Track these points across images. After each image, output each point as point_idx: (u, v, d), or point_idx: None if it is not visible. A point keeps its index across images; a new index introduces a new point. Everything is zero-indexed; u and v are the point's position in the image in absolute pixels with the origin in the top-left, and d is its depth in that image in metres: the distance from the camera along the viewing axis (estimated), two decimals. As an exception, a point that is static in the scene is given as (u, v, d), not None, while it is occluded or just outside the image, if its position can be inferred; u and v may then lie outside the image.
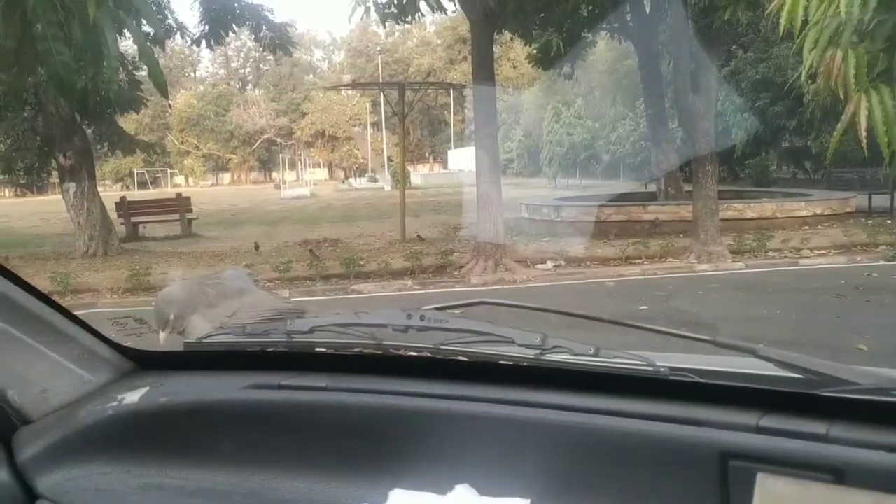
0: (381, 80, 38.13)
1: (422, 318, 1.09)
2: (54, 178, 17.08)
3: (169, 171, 51.89)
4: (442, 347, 1.08)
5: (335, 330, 1.17)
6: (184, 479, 1.07)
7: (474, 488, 0.92)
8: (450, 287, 9.20)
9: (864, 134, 3.67)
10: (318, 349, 1.19)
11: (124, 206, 15.38)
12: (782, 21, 3.85)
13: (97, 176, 13.97)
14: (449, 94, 41.66)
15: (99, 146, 16.58)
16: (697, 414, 0.87)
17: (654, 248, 10.53)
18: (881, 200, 14.45)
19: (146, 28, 3.29)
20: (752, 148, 21.43)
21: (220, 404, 1.11)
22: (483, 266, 9.70)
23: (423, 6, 10.87)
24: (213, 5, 12.86)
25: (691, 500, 0.84)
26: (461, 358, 1.08)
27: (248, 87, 62.13)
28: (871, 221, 12.93)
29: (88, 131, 14.08)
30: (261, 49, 15.99)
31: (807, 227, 12.26)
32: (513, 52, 40.36)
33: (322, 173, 56.05)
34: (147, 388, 1.15)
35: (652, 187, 17.29)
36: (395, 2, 10.98)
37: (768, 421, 0.83)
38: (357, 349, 1.15)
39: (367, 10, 11.38)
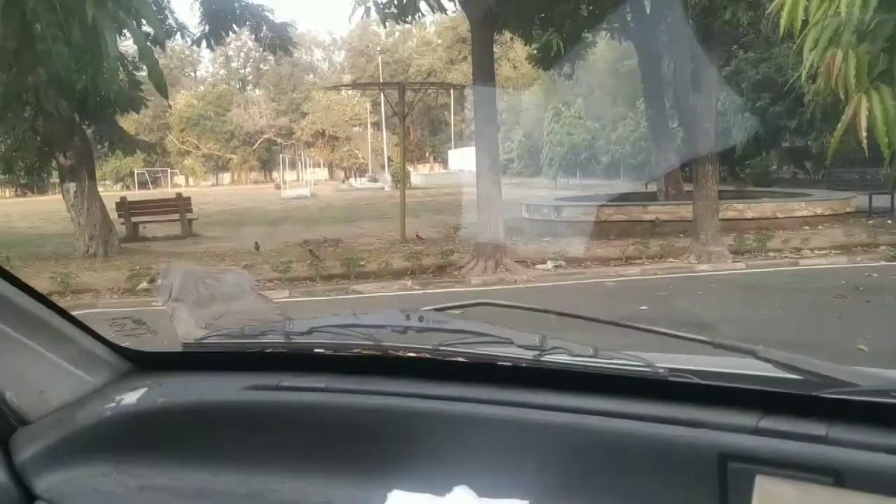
0: (381, 81, 38.16)
1: (421, 318, 1.09)
2: (55, 178, 17.05)
3: (169, 171, 51.91)
4: (441, 348, 1.08)
5: (334, 331, 1.17)
6: (182, 479, 1.07)
7: (473, 489, 0.92)
8: (450, 287, 9.20)
9: (865, 134, 3.67)
10: (317, 350, 1.19)
11: (125, 206, 15.39)
12: (783, 21, 3.85)
13: (97, 176, 13.98)
14: (449, 95, 41.66)
15: (99, 146, 16.58)
16: (696, 415, 0.86)
17: (655, 248, 10.53)
18: (882, 200, 14.45)
19: (146, 28, 3.29)
20: (753, 148, 21.44)
21: (219, 405, 1.11)
22: (483, 266, 9.70)
23: (423, 6, 10.89)
24: (214, 5, 12.87)
25: (690, 502, 0.83)
26: (460, 359, 1.07)
27: (248, 87, 62.15)
28: (871, 222, 12.93)
29: (89, 131, 14.08)
30: (261, 49, 16.01)
31: (807, 228, 12.26)
32: (513, 52, 40.38)
33: (322, 173, 56.05)
34: (146, 388, 1.15)
35: (652, 187, 17.30)
36: (396, 2, 10.98)
37: (768, 422, 0.83)
38: (356, 350, 1.15)
39: (368, 10, 11.40)
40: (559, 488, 0.90)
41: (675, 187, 14.99)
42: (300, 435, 1.05)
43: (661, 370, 0.95)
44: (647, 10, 13.97)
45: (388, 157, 45.54)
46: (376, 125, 50.79)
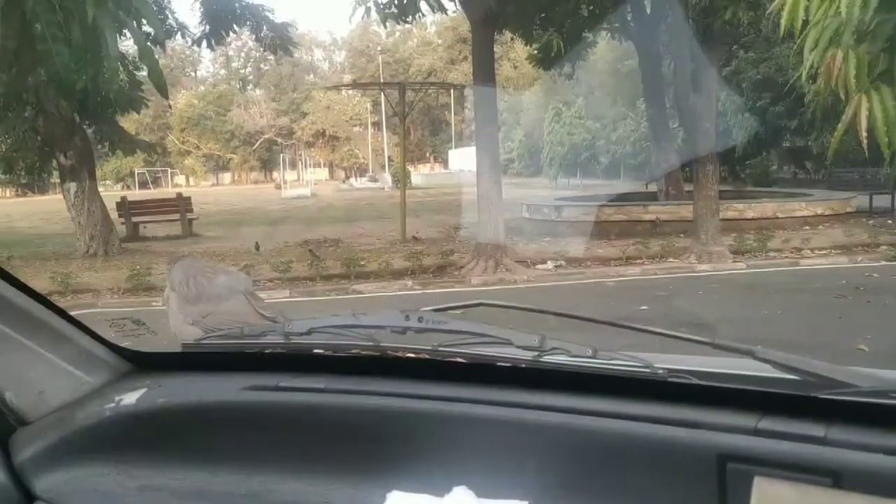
0: (381, 80, 38.15)
1: (420, 319, 1.09)
2: (55, 178, 17.07)
3: (170, 170, 51.93)
4: (440, 349, 1.08)
5: (333, 331, 1.17)
6: (182, 480, 1.07)
7: (472, 490, 0.92)
8: (450, 287, 9.21)
9: (865, 134, 3.67)
10: (316, 350, 1.19)
11: (125, 206, 15.39)
12: (783, 21, 3.85)
13: (98, 176, 13.98)
14: (449, 94, 41.69)
15: (100, 146, 16.59)
16: (695, 416, 0.86)
17: (655, 248, 10.53)
18: (882, 200, 14.44)
19: (146, 28, 3.29)
20: (753, 148, 21.44)
21: (219, 405, 1.11)
22: (483, 266, 9.70)
23: (423, 6, 10.88)
24: (214, 5, 12.87)
25: (689, 503, 0.83)
26: (459, 359, 1.07)
27: (248, 87, 62.15)
28: (871, 222, 12.93)
29: (89, 131, 14.08)
30: (261, 49, 16.00)
31: (808, 228, 12.26)
32: (513, 52, 40.38)
33: (323, 173, 56.06)
34: (145, 389, 1.15)
35: (653, 187, 17.30)
36: (396, 2, 10.98)
37: (766, 423, 0.83)
38: (355, 350, 1.15)
39: (368, 10, 11.40)
40: (558, 489, 0.90)
41: (676, 187, 14.99)
42: (299, 435, 1.05)
43: (660, 371, 0.95)
44: (648, 10, 13.97)
45: (389, 157, 45.54)
46: (377, 125, 50.81)
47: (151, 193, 32.80)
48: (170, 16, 13.73)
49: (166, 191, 38.51)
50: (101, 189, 13.72)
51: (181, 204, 15.92)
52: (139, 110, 15.64)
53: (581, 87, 31.66)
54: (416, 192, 28.88)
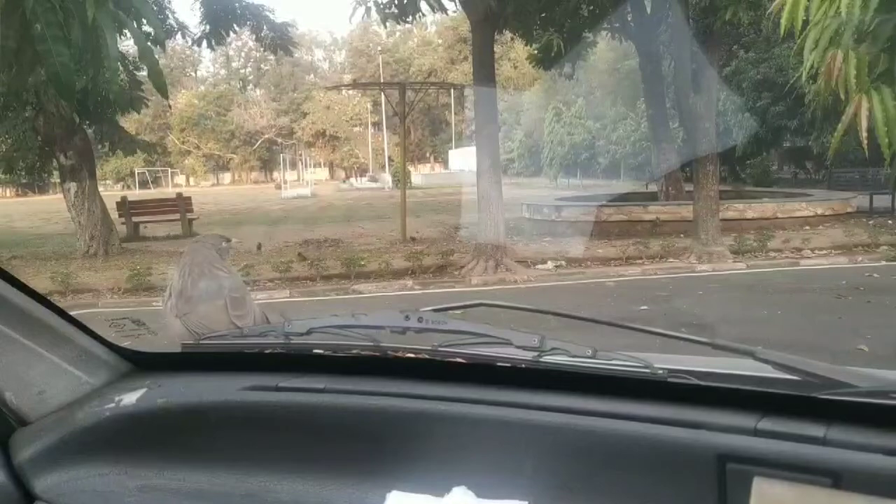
0: (381, 80, 38.17)
1: (420, 319, 1.09)
2: (55, 178, 17.08)
3: (170, 170, 51.92)
4: (440, 349, 1.08)
5: (333, 332, 1.17)
6: (182, 480, 1.07)
7: (472, 490, 0.92)
8: (450, 287, 9.20)
9: (865, 134, 3.66)
10: (316, 351, 1.19)
11: (125, 206, 15.39)
12: (783, 21, 3.84)
13: (98, 176, 13.98)
14: (450, 94, 41.66)
15: (100, 146, 16.59)
16: (695, 416, 0.86)
17: (655, 248, 10.53)
18: (882, 201, 14.44)
19: (147, 28, 3.28)
20: (753, 148, 21.45)
21: (218, 406, 1.11)
22: (483, 266, 9.70)
23: (423, 6, 10.88)
24: (214, 5, 12.86)
25: (689, 503, 0.83)
26: (459, 360, 1.07)
27: (248, 87, 62.15)
28: (872, 222, 12.92)
29: (89, 131, 14.09)
30: (262, 49, 15.99)
31: (808, 228, 12.26)
32: (514, 52, 40.37)
33: (323, 173, 56.09)
34: (145, 389, 1.15)
35: (653, 187, 17.30)
36: (396, 2, 10.98)
37: (766, 423, 0.83)
38: (355, 351, 1.15)
39: (368, 10, 11.40)
40: (558, 489, 0.90)
41: (676, 187, 14.99)
42: (299, 435, 1.05)
43: (660, 371, 0.95)
44: (648, 10, 13.97)
45: (389, 157, 45.54)
46: (377, 125, 50.81)
47: (151, 193, 32.80)
48: (170, 16, 13.74)
49: (166, 191, 38.51)
50: (101, 189, 13.72)
51: (181, 204, 15.93)
52: (139, 110, 15.64)
53: (581, 87, 31.68)
54: (416, 191, 28.89)
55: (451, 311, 1.17)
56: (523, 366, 1.02)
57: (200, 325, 1.49)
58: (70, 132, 12.54)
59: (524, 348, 1.02)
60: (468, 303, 1.21)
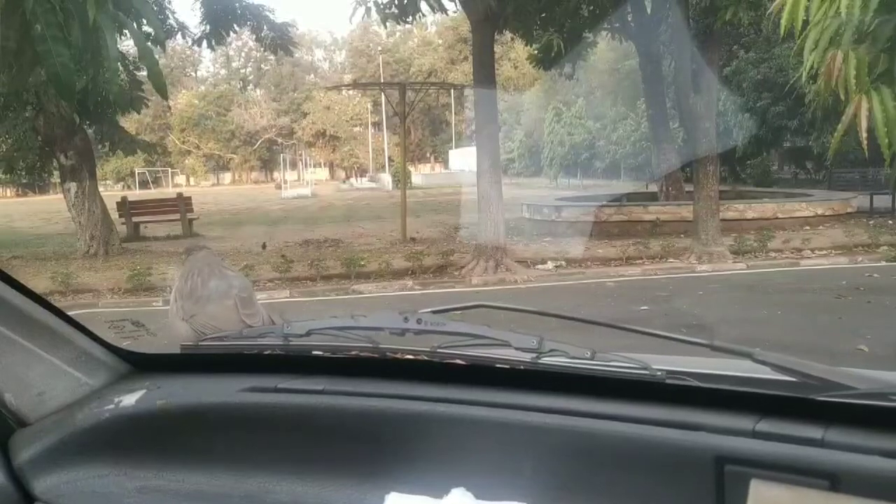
0: (382, 80, 38.17)
1: (419, 321, 1.09)
2: (56, 178, 17.08)
3: (170, 170, 51.92)
4: (439, 350, 1.08)
5: (332, 333, 1.17)
6: (181, 481, 1.07)
7: (471, 492, 0.92)
8: (451, 287, 9.21)
9: (865, 135, 3.66)
10: (315, 352, 1.19)
11: (125, 206, 15.40)
12: (783, 21, 3.84)
13: (98, 176, 13.99)
14: (450, 94, 41.66)
15: (100, 146, 16.59)
16: (693, 418, 0.86)
17: (655, 248, 10.53)
18: (882, 201, 14.44)
19: (147, 28, 3.28)
20: (754, 148, 21.44)
21: (218, 407, 1.11)
22: (484, 266, 9.70)
23: (423, 6, 10.88)
24: (215, 5, 12.86)
25: None
26: (458, 361, 1.08)
27: (249, 87, 62.12)
28: (872, 222, 12.92)
29: (89, 131, 14.09)
30: (262, 49, 16.00)
31: (808, 228, 12.25)
32: (514, 52, 40.37)
33: (323, 173, 56.08)
34: (144, 390, 1.15)
35: (653, 188, 17.29)
36: (396, 2, 10.98)
37: (764, 425, 0.83)
38: (354, 352, 1.15)
39: (368, 10, 11.40)
40: (556, 490, 0.90)
41: (676, 187, 14.99)
42: (298, 437, 1.05)
43: (659, 372, 0.95)
44: (648, 11, 13.97)
45: (389, 157, 45.51)
46: (377, 125, 50.80)
47: (152, 193, 32.79)
48: (170, 16, 13.75)
49: (167, 191, 38.50)
50: (101, 189, 13.73)
51: (181, 204, 15.92)
52: (139, 110, 15.65)
53: (581, 88, 31.70)
54: (416, 191, 28.89)
55: (449, 313, 1.17)
56: (522, 367, 1.02)
57: (209, 325, 1.49)
58: (70, 132, 12.54)
59: (523, 350, 1.02)
60: (467, 304, 1.21)
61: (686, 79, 10.39)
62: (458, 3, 10.75)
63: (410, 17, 11.53)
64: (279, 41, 13.75)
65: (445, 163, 51.31)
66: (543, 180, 31.28)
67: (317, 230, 15.47)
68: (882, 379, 0.97)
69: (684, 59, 10.46)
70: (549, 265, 10.09)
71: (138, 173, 46.94)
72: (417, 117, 46.44)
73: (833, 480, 0.75)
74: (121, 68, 11.69)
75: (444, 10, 10.98)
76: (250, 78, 62.66)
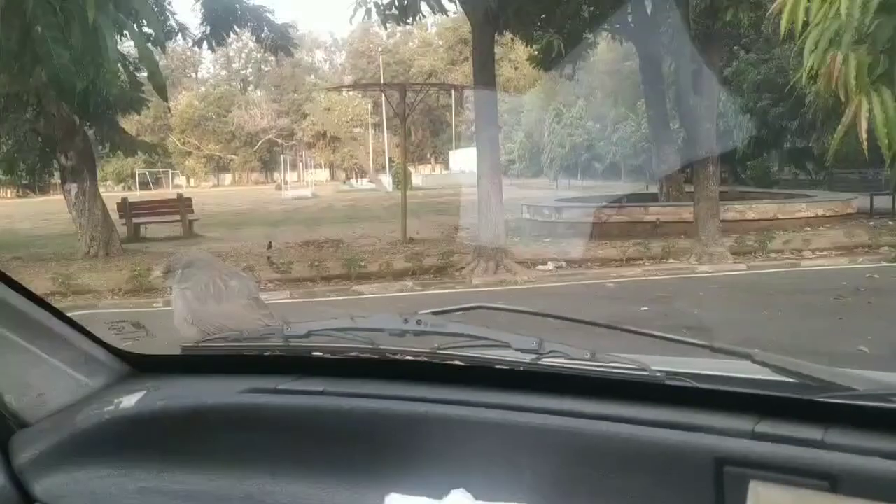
0: (382, 81, 38.13)
1: (418, 322, 1.09)
2: (56, 179, 17.07)
3: (170, 171, 51.92)
4: (439, 351, 1.08)
5: (332, 334, 1.17)
6: (181, 483, 1.07)
7: (470, 493, 0.92)
8: (451, 288, 9.20)
9: (865, 135, 3.67)
10: (315, 353, 1.19)
11: (126, 207, 15.39)
12: (783, 22, 3.85)
13: (99, 177, 13.99)
14: (450, 96, 41.60)
15: (100, 147, 16.59)
16: (693, 419, 0.86)
17: (655, 249, 10.52)
18: (883, 202, 14.44)
19: (147, 30, 3.29)
20: (754, 149, 21.43)
21: (218, 408, 1.11)
22: (484, 267, 9.70)
23: (424, 7, 10.89)
24: (215, 6, 12.87)
25: None
26: (458, 362, 1.08)
27: (249, 88, 62.13)
28: (872, 223, 12.92)
29: (90, 132, 14.08)
30: (262, 50, 16.03)
31: (808, 229, 12.25)
32: (514, 53, 40.32)
33: (323, 174, 56.05)
34: (144, 391, 1.16)
35: (653, 188, 17.29)
36: (397, 3, 10.99)
37: (764, 426, 0.83)
38: (354, 353, 1.15)
39: (369, 11, 11.40)
40: (556, 491, 0.90)
41: (676, 188, 14.99)
42: (298, 438, 1.06)
43: (659, 373, 0.95)
44: (649, 12, 13.97)
45: (390, 158, 45.51)
46: (377, 126, 50.77)
47: (152, 194, 32.74)
48: (170, 17, 13.73)
49: (167, 192, 38.46)
50: (102, 190, 13.73)
51: (182, 205, 15.93)
52: (140, 111, 15.66)
53: (582, 89, 31.68)
54: (416, 192, 28.87)
55: (449, 314, 1.17)
56: (522, 368, 1.02)
57: (224, 325, 1.48)
58: (71, 133, 12.55)
59: (523, 351, 1.02)
60: (466, 305, 1.21)
61: (686, 80, 10.41)
62: (458, 4, 10.76)
63: (411, 18, 11.54)
64: (279, 42, 13.76)
65: (446, 164, 51.30)
66: (544, 181, 31.27)
67: (317, 231, 15.46)
68: (882, 380, 0.97)
69: (684, 60, 10.48)
70: (550, 266, 10.09)
71: (139, 174, 46.94)
72: (418, 118, 46.38)
73: (833, 482, 0.75)
74: (121, 69, 11.68)
75: (444, 11, 11.00)
76: (251, 79, 62.69)
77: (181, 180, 54.54)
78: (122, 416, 1.12)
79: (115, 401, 1.14)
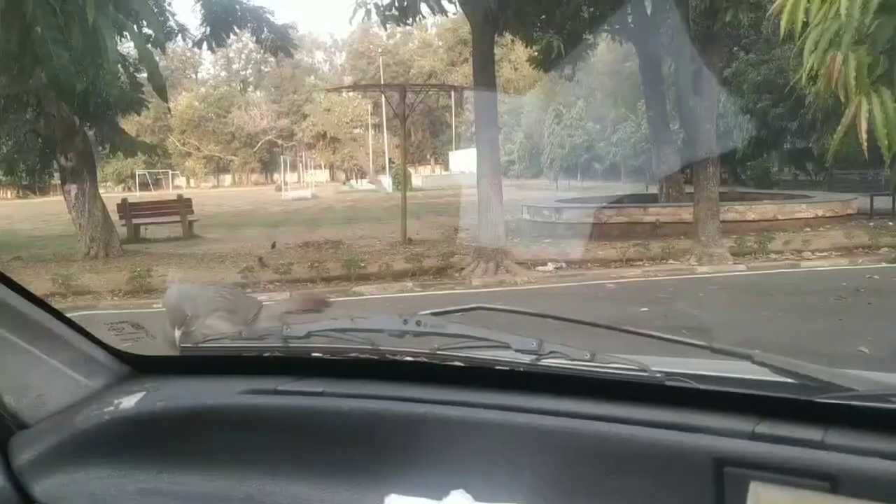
0: (382, 82, 38.16)
1: (418, 323, 1.09)
2: (56, 180, 17.08)
3: (170, 172, 51.91)
4: (438, 352, 1.08)
5: (332, 335, 1.17)
6: (180, 483, 1.07)
7: (470, 493, 0.92)
8: (451, 289, 9.20)
9: (865, 136, 3.67)
10: (314, 354, 1.19)
11: (126, 208, 15.40)
12: (783, 23, 3.85)
13: (99, 178, 13.99)
14: (450, 96, 41.67)
15: (100, 148, 16.59)
16: (693, 420, 0.86)
17: (655, 250, 10.52)
18: (883, 202, 14.44)
19: (147, 30, 3.30)
20: (754, 150, 21.43)
21: (217, 409, 1.11)
22: (484, 268, 9.70)
23: (424, 8, 10.88)
24: (215, 7, 12.88)
25: None
26: (457, 363, 1.07)
27: (249, 89, 62.13)
28: (872, 223, 12.92)
29: (90, 133, 14.08)
30: (262, 51, 16.04)
31: (808, 229, 12.25)
32: (514, 53, 40.33)
33: (323, 175, 56.05)
34: (144, 392, 1.15)
35: (653, 189, 17.29)
36: (397, 4, 10.99)
37: (764, 427, 0.83)
38: (354, 354, 1.15)
39: (369, 12, 11.41)
40: (555, 492, 0.90)
41: (676, 189, 14.98)
42: (297, 439, 1.05)
43: (658, 374, 0.95)
44: (648, 12, 13.97)
45: (390, 159, 45.52)
46: (377, 127, 50.78)
47: (152, 195, 32.77)
48: (170, 18, 13.74)
49: (167, 192, 38.46)
50: (101, 191, 13.73)
51: (182, 206, 15.93)
52: (140, 112, 15.66)
53: (581, 89, 31.68)
54: (416, 193, 28.87)
55: (449, 315, 1.17)
56: (521, 369, 1.02)
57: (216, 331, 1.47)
58: (70, 134, 12.55)
59: (522, 351, 1.02)
60: (466, 306, 1.21)
61: (686, 80, 10.41)
62: (458, 5, 10.76)
63: (411, 19, 11.54)
64: (279, 43, 13.77)
65: (446, 165, 51.31)
66: (544, 182, 31.27)
67: (317, 232, 15.46)
68: (882, 381, 0.97)
69: (684, 60, 10.49)
70: (550, 267, 10.08)
71: (139, 175, 46.93)
72: (417, 119, 46.38)
73: (833, 482, 0.75)
74: (121, 70, 11.69)
75: (444, 11, 10.99)
76: (250, 80, 62.69)
77: (181, 181, 54.55)
78: (121, 417, 1.12)
79: (115, 402, 1.14)
